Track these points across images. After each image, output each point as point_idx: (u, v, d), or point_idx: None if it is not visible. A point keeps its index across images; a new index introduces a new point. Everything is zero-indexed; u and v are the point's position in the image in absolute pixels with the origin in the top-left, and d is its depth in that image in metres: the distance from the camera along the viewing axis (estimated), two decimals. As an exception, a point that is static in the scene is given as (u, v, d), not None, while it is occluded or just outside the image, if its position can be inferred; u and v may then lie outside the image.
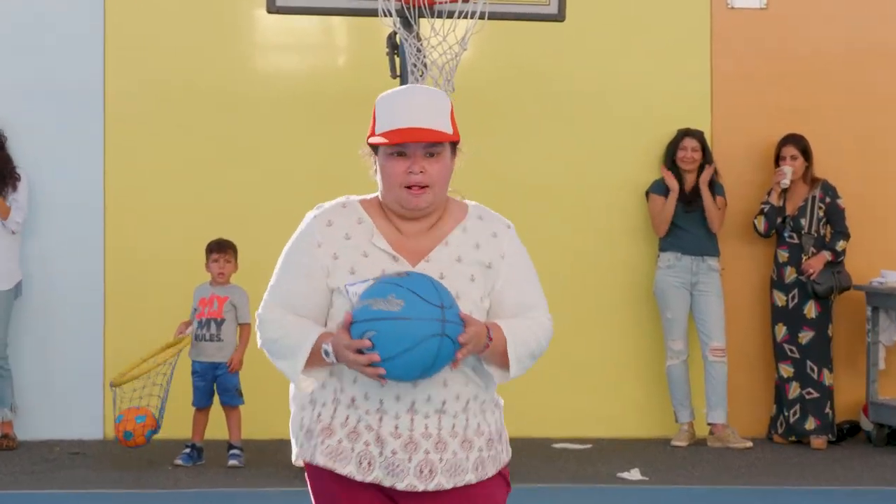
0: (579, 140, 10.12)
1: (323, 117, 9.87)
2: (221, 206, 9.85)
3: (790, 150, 9.98)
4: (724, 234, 10.04)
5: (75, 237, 9.84)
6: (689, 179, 9.97)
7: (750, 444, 9.81)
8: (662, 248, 9.99)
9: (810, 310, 9.90)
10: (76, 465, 9.08)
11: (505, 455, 3.91)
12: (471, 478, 3.79)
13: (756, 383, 10.22)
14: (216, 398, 9.05)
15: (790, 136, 10.01)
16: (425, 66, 8.28)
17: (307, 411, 3.84)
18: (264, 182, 9.91)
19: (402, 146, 3.74)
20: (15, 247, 9.62)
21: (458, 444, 3.78)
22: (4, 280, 9.54)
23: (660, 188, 10.00)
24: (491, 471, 3.84)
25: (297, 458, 3.88)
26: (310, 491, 3.89)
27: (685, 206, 9.89)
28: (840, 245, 9.92)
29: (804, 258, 9.92)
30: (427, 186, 3.75)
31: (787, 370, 9.95)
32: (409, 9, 8.27)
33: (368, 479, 3.74)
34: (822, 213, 9.96)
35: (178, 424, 9.17)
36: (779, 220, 9.98)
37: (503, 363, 3.78)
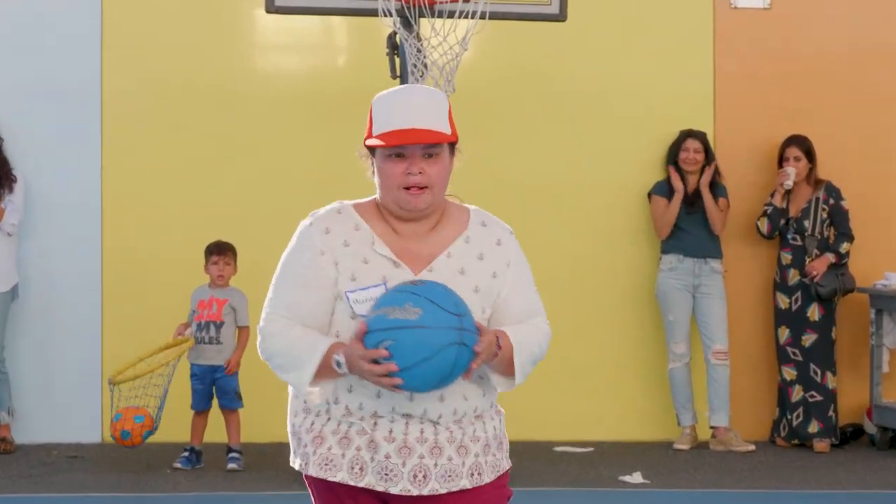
0: (581, 141, 10.08)
1: (322, 117, 9.84)
2: (220, 207, 9.82)
3: (794, 152, 9.95)
4: (726, 236, 10.00)
5: (73, 238, 9.81)
6: (692, 181, 9.93)
7: (752, 447, 9.77)
8: (664, 250, 9.95)
9: (813, 312, 9.85)
10: (74, 468, 9.05)
11: (505, 462, 3.87)
12: (465, 483, 3.75)
13: (759, 386, 10.18)
14: (215, 401, 9.02)
15: (793, 138, 9.97)
16: (425, 66, 8.25)
17: (299, 418, 3.81)
18: (263, 182, 9.88)
19: (401, 147, 3.69)
20: (11, 249, 9.58)
21: (453, 450, 3.74)
22: (1, 282, 9.50)
23: (662, 189, 9.96)
24: (488, 478, 3.79)
25: (292, 463, 3.85)
26: (312, 496, 3.86)
27: (687, 207, 9.86)
28: (844, 247, 9.88)
29: (807, 260, 9.88)
30: (426, 187, 3.71)
31: (790, 373, 9.91)
32: (409, 8, 8.24)
33: (361, 485, 3.70)
34: (825, 215, 9.92)
35: (176, 428, 9.14)
36: (782, 221, 9.94)
37: (508, 371, 3.75)
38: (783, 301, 9.93)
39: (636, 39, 10.16)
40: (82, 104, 9.82)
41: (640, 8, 10.16)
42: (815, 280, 9.81)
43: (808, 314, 9.86)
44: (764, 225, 9.95)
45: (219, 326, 8.95)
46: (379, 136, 3.70)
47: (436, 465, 3.72)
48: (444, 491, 3.72)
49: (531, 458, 9.22)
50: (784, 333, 9.93)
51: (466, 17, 8.24)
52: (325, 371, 3.64)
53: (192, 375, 8.98)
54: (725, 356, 9.84)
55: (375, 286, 3.67)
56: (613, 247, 10.13)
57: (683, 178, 9.91)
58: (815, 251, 9.89)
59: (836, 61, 10.29)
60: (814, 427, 9.82)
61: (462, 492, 3.74)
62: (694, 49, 10.20)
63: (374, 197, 3.83)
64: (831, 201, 9.94)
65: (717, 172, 9.96)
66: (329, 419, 3.74)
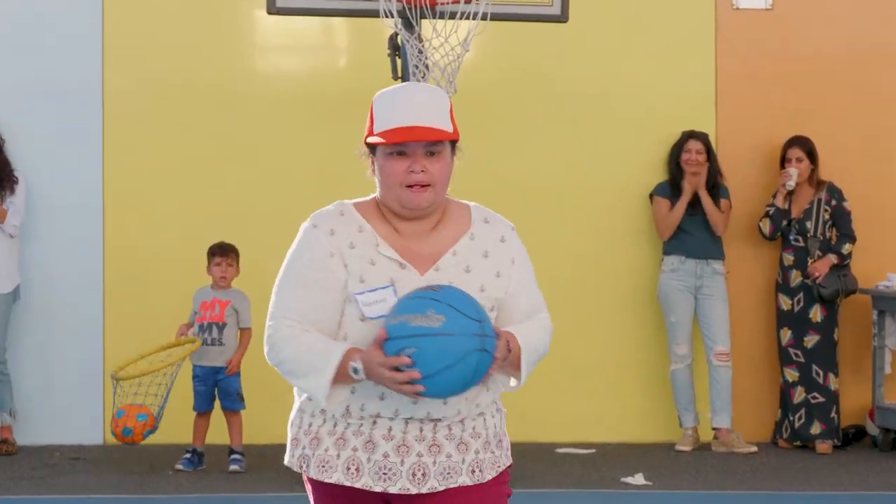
0: (582, 142, 10.07)
1: (324, 118, 9.83)
2: (221, 207, 9.82)
3: (796, 153, 9.94)
4: (728, 237, 9.99)
5: (74, 239, 9.80)
6: (694, 182, 9.91)
7: (754, 448, 9.76)
8: (666, 252, 9.94)
9: (816, 313, 9.84)
10: (76, 470, 9.04)
11: (504, 460, 3.85)
12: (465, 480, 3.73)
13: (761, 387, 10.17)
14: (217, 403, 9.01)
15: (796, 139, 9.96)
16: (427, 67, 8.24)
17: (298, 419, 3.80)
18: (264, 183, 9.88)
19: (403, 145, 3.67)
20: (13, 250, 9.58)
21: (453, 447, 3.73)
22: (3, 284, 9.50)
23: (664, 191, 9.95)
24: (488, 475, 3.77)
25: (287, 462, 3.83)
26: (310, 498, 3.85)
27: (689, 208, 9.85)
28: (846, 248, 9.87)
29: (810, 261, 9.87)
30: (428, 185, 3.68)
31: (792, 374, 9.90)
32: (410, 10, 8.23)
33: (358, 485, 3.68)
34: (827, 216, 9.91)
35: (178, 429, 9.13)
36: (784, 222, 9.93)
37: (514, 371, 3.74)
38: (785, 302, 9.93)
39: (637, 40, 10.15)
40: (83, 105, 9.82)
41: (641, 9, 10.16)
42: (818, 281, 9.79)
43: (811, 315, 9.85)
44: (766, 226, 9.94)
45: (221, 328, 8.94)
46: (380, 134, 3.68)
47: (435, 462, 3.70)
48: (442, 488, 3.70)
49: (533, 459, 9.21)
50: (786, 335, 9.92)
51: (468, 18, 8.24)
52: (340, 377, 3.60)
53: (195, 377, 8.97)
54: (727, 357, 9.83)
55: (383, 288, 3.65)
56: (615, 248, 10.12)
57: (685, 180, 9.90)
58: (818, 252, 9.88)
59: (838, 62, 10.28)
60: (816, 428, 9.81)
61: (462, 489, 3.72)
62: (695, 50, 10.19)
63: (373, 196, 3.80)
64: (833, 202, 9.93)
65: (718, 173, 9.95)
66: (325, 421, 3.73)
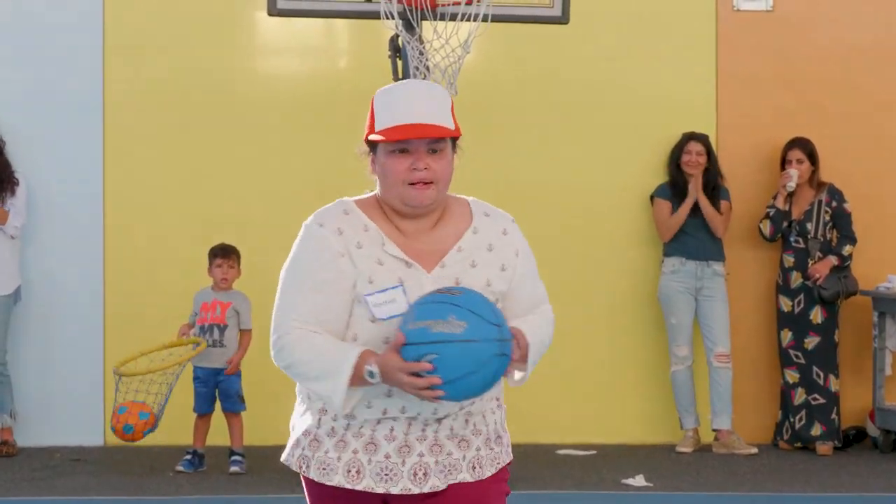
0: (582, 143, 10.07)
1: (325, 120, 9.82)
2: (222, 209, 9.82)
3: (796, 154, 9.93)
4: (729, 239, 9.99)
5: (75, 241, 9.80)
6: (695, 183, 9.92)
7: (755, 450, 9.76)
8: (667, 253, 9.93)
9: (816, 315, 9.84)
10: (77, 471, 9.04)
11: (505, 456, 3.84)
12: (465, 476, 3.72)
13: (761, 389, 10.17)
14: (218, 404, 9.01)
15: (796, 140, 9.96)
16: (428, 68, 8.23)
17: (301, 419, 3.78)
18: (265, 186, 9.87)
19: (405, 142, 3.64)
20: (14, 252, 9.58)
21: (454, 445, 3.72)
22: (4, 285, 9.50)
23: (664, 192, 9.95)
24: (488, 471, 3.77)
25: (285, 460, 3.81)
26: (306, 497, 3.84)
27: (690, 211, 9.84)
28: (846, 250, 9.87)
29: (810, 263, 9.86)
30: (432, 183, 3.66)
31: (792, 376, 9.89)
32: (411, 11, 8.22)
33: (359, 488, 3.68)
34: (828, 218, 9.91)
35: (179, 431, 9.13)
36: (785, 224, 9.93)
37: (520, 365, 3.71)
38: (786, 304, 9.92)
39: (638, 42, 10.15)
40: (84, 106, 9.81)
41: (641, 10, 10.15)
42: (818, 283, 9.79)
43: (811, 317, 9.85)
44: (766, 227, 9.93)
45: (222, 329, 8.94)
46: (382, 132, 3.65)
47: (436, 462, 3.70)
48: (443, 486, 3.69)
49: (533, 460, 9.21)
50: (786, 336, 9.92)
51: (469, 19, 8.23)
52: (354, 380, 3.57)
53: (195, 378, 8.97)
54: (728, 359, 9.83)
55: (393, 288, 3.63)
56: (615, 249, 10.11)
57: (686, 181, 9.89)
58: (818, 254, 9.87)
59: (839, 63, 10.28)
60: (816, 430, 9.81)
61: (461, 485, 3.71)
62: (696, 51, 10.19)
63: (373, 193, 3.78)
64: (834, 204, 9.93)
65: (719, 175, 9.94)
66: (325, 422, 3.71)
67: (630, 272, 10.13)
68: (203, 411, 9.00)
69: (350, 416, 3.68)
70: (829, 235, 9.93)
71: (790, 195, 9.93)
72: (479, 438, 3.77)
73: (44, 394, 9.78)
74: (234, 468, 8.91)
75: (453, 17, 8.23)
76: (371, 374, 3.53)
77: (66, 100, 9.80)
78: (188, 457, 8.98)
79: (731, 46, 10.21)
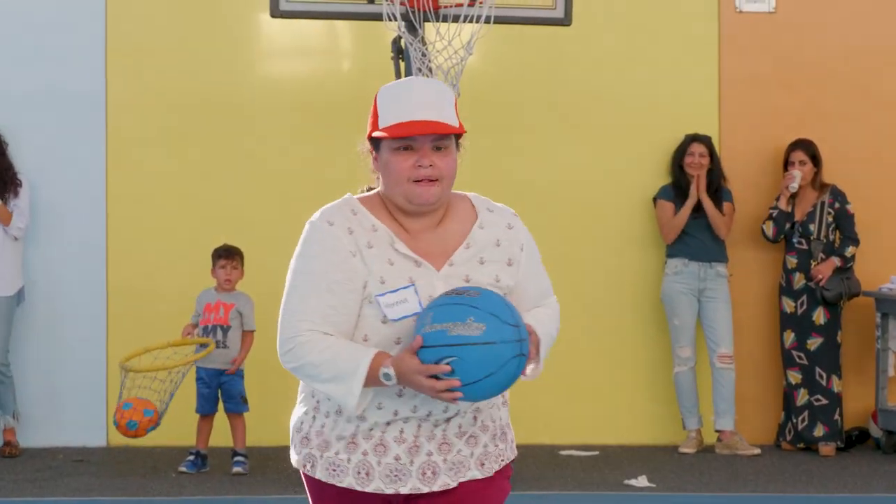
0: (585, 145, 10.07)
1: (327, 122, 9.83)
2: (225, 211, 9.82)
3: (799, 156, 9.93)
4: (732, 240, 9.99)
5: (78, 242, 9.81)
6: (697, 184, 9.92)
7: (758, 450, 9.76)
8: (670, 255, 9.93)
9: (819, 316, 9.84)
10: (79, 472, 9.04)
11: (509, 453, 3.84)
12: (475, 473, 3.72)
13: (764, 390, 10.17)
14: (221, 405, 9.01)
15: (799, 142, 9.96)
16: (430, 70, 8.24)
17: (308, 418, 3.76)
18: (268, 186, 9.88)
19: (410, 140, 3.62)
20: (17, 253, 9.59)
21: (462, 442, 3.72)
22: (7, 286, 9.50)
23: (667, 194, 9.95)
24: (494, 467, 3.76)
25: (296, 463, 3.79)
26: (308, 499, 3.83)
27: (693, 212, 9.84)
28: (849, 251, 9.87)
29: (813, 264, 9.86)
30: (436, 180, 3.64)
31: (795, 377, 9.89)
32: (414, 13, 8.23)
33: (368, 490, 3.67)
34: (831, 219, 9.91)
35: (182, 431, 9.13)
36: (787, 225, 9.93)
37: (532, 359, 3.68)
38: (788, 305, 9.92)
39: (641, 44, 10.15)
40: (87, 108, 9.82)
41: (644, 12, 10.15)
42: (821, 284, 9.79)
43: (814, 318, 9.85)
44: (769, 229, 9.93)
45: (226, 330, 8.94)
46: (386, 129, 3.63)
47: (444, 460, 3.69)
48: (454, 484, 3.68)
49: (536, 461, 9.21)
50: (789, 337, 9.92)
51: (471, 21, 8.24)
52: (368, 381, 3.54)
53: (198, 379, 8.97)
54: (731, 360, 9.83)
55: (405, 288, 3.60)
56: (618, 251, 10.11)
57: (688, 183, 9.89)
58: (821, 255, 9.87)
59: (842, 65, 10.28)
60: (819, 431, 9.81)
61: (470, 482, 3.70)
62: (699, 53, 10.19)
63: (376, 191, 3.76)
64: (837, 205, 9.93)
65: (721, 176, 9.94)
66: (336, 423, 3.69)
67: (633, 274, 10.13)
68: (206, 412, 9.01)
69: (361, 417, 3.66)
70: (831, 237, 9.93)
71: (793, 196, 9.93)
72: (486, 435, 3.76)
73: (47, 394, 9.79)
74: (237, 469, 8.92)
75: (456, 19, 8.25)
76: (387, 376, 3.50)
77: (68, 101, 9.81)
78: (191, 457, 8.98)
79: (733, 48, 10.21)
